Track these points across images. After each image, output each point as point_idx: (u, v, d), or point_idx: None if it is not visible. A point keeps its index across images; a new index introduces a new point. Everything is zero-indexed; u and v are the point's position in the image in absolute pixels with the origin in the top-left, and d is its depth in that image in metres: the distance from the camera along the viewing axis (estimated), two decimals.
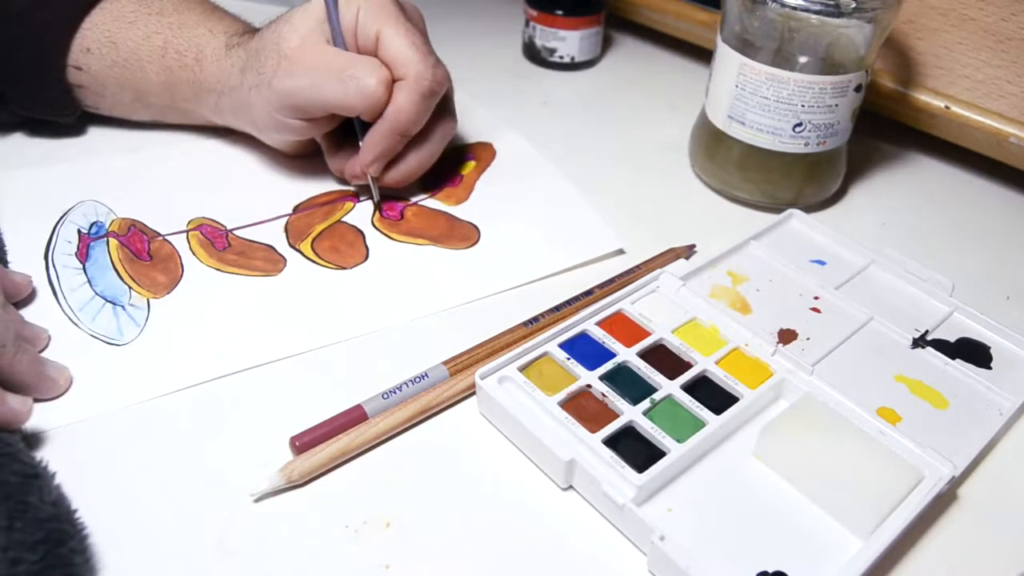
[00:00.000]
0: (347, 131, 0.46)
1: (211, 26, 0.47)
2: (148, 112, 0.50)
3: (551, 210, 0.48)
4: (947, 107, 0.50)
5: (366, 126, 0.44)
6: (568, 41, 0.62)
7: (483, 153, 0.52)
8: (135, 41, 0.46)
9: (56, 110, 0.49)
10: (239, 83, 0.44)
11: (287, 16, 0.43)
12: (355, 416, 0.34)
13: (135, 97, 0.48)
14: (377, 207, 0.47)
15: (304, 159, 0.49)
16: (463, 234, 0.45)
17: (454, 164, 0.51)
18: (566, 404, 0.34)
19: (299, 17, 0.43)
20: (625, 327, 0.38)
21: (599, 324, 0.38)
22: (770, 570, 0.30)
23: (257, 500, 0.32)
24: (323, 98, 0.42)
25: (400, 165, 0.45)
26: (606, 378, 0.36)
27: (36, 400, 0.34)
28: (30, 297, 0.39)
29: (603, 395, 0.35)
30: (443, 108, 0.45)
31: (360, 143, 0.44)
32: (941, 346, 0.39)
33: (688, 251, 0.45)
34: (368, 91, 0.41)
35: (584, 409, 0.34)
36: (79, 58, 0.46)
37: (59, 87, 0.47)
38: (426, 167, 0.46)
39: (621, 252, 0.45)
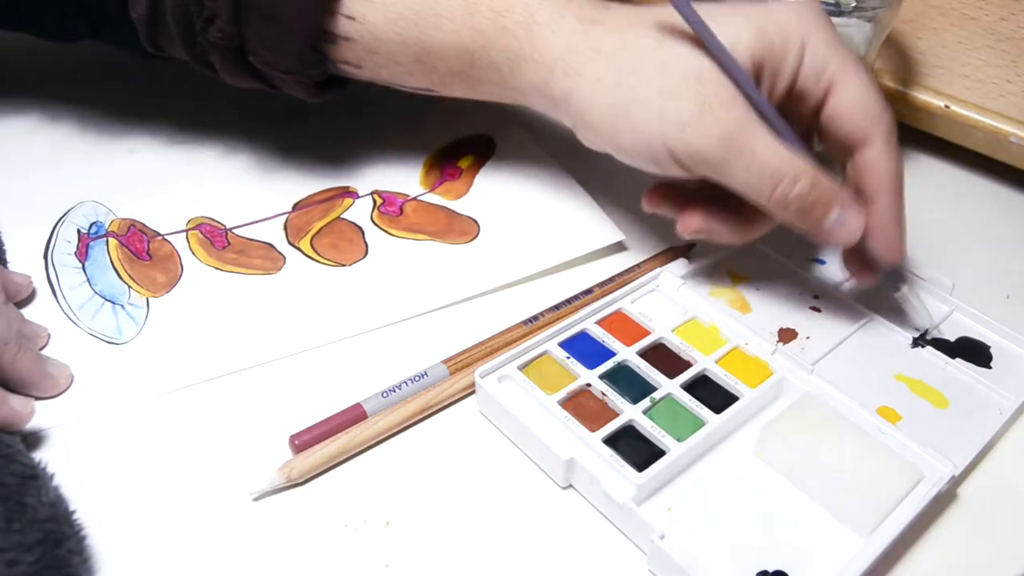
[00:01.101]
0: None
1: None
2: (426, 78, 0.41)
3: (551, 203, 0.48)
4: (947, 106, 0.50)
5: None
6: None
7: (482, 147, 0.52)
8: None
9: (300, 65, 0.40)
10: (613, 83, 0.35)
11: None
12: (354, 415, 0.34)
13: (416, 58, 0.40)
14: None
15: (304, 158, 0.49)
16: (463, 229, 0.45)
17: (453, 158, 0.51)
18: (566, 403, 0.34)
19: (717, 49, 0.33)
20: (625, 326, 0.38)
21: (599, 323, 0.38)
22: (770, 569, 0.30)
23: (257, 499, 0.32)
24: (723, 178, 0.34)
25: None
26: (606, 377, 0.36)
27: (36, 399, 0.34)
28: (30, 297, 0.39)
29: (603, 394, 0.35)
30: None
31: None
32: (941, 345, 0.39)
33: (688, 250, 0.45)
34: (843, 234, 0.34)
35: (584, 408, 0.34)
36: (355, 6, 0.38)
37: (314, 36, 0.39)
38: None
39: (622, 245, 0.45)
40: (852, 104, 0.34)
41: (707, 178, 0.35)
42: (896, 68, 0.52)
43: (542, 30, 0.37)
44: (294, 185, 0.48)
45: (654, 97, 0.34)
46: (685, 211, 0.38)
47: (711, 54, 0.33)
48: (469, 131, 0.53)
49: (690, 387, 0.36)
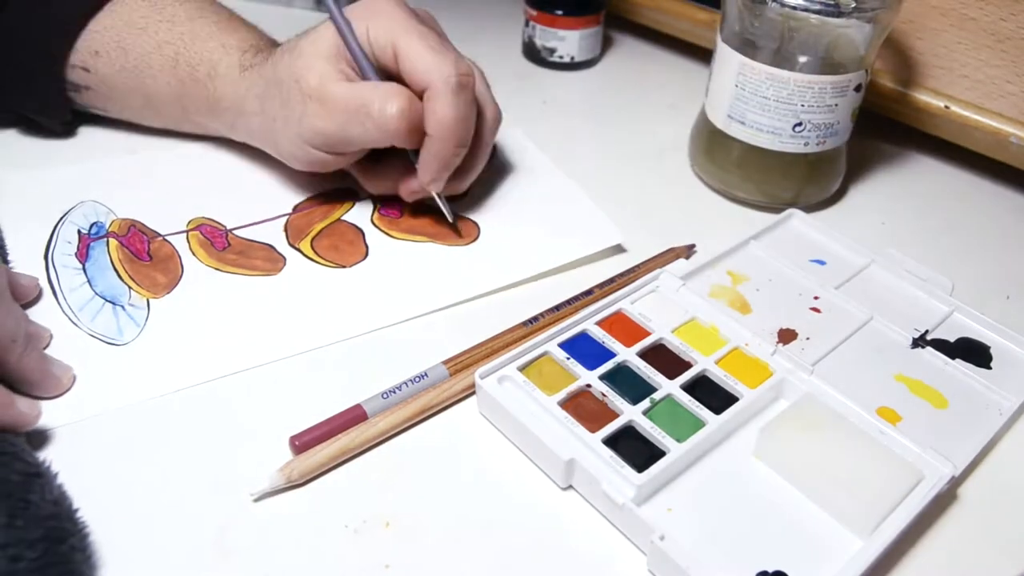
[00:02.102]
0: (377, 154, 0.45)
1: (224, 40, 0.46)
2: (160, 119, 0.49)
3: (551, 205, 0.48)
4: (947, 107, 0.50)
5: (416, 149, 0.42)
6: (568, 41, 0.62)
7: None
8: (145, 49, 0.46)
9: (47, 109, 0.48)
10: (259, 110, 0.44)
11: (298, 50, 0.42)
12: (355, 415, 0.34)
13: (145, 104, 0.48)
14: (453, 226, 0.45)
15: None
16: (463, 231, 0.45)
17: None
18: (566, 404, 0.34)
19: (309, 51, 0.41)
20: (625, 327, 0.38)
21: (599, 324, 0.38)
22: (770, 570, 0.30)
23: (257, 500, 0.32)
24: (352, 138, 0.41)
25: (464, 174, 0.44)
26: (606, 378, 0.36)
27: (38, 398, 0.34)
28: (34, 298, 0.39)
29: (603, 395, 0.35)
30: (481, 100, 0.44)
31: (415, 164, 0.42)
32: (941, 346, 0.39)
33: (688, 251, 0.45)
34: (387, 123, 0.39)
35: (584, 409, 0.34)
36: (87, 60, 0.46)
37: (56, 85, 0.47)
38: (483, 165, 0.45)
39: (621, 248, 0.45)
40: (411, 64, 0.40)
41: (344, 149, 0.42)
42: (896, 68, 0.52)
43: (223, 81, 0.45)
44: (295, 187, 0.48)
45: (279, 109, 0.43)
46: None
47: (341, 35, 0.41)
48: None
49: (690, 388, 0.36)
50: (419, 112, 0.40)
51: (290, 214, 0.46)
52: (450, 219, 0.45)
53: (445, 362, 0.37)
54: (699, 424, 0.34)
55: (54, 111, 0.48)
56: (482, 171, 0.46)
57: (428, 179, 0.42)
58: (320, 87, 0.40)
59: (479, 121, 0.43)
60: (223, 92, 0.45)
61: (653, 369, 0.36)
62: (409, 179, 0.44)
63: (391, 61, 0.41)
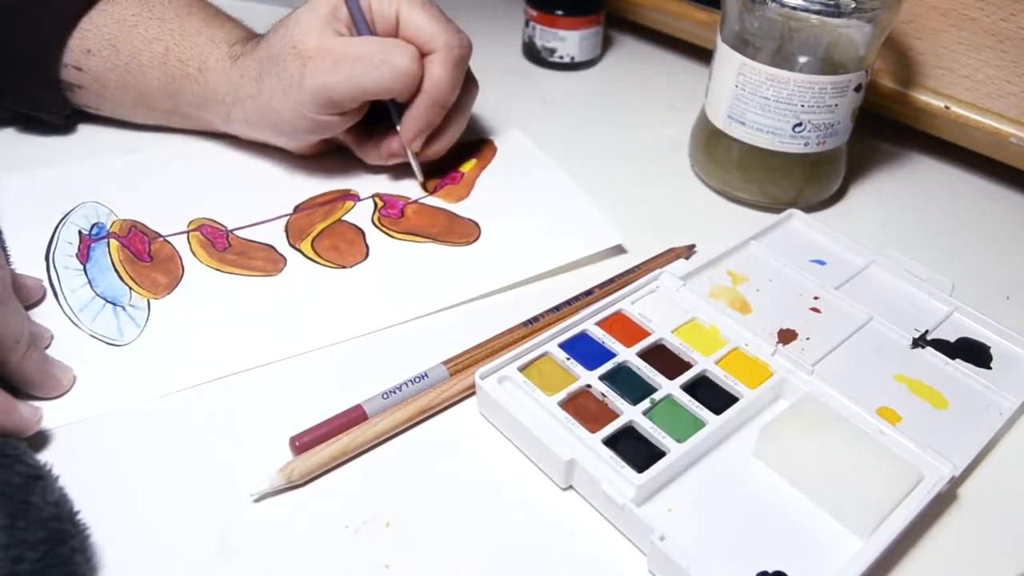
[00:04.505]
0: (370, 121, 0.47)
1: (212, 34, 0.47)
2: (151, 116, 0.50)
3: (552, 206, 0.48)
4: (947, 107, 0.50)
5: (400, 107, 0.45)
6: (568, 41, 0.62)
7: (483, 150, 0.52)
8: (136, 46, 0.46)
9: (46, 107, 0.49)
10: (256, 92, 0.44)
11: (293, 19, 0.43)
12: (355, 416, 0.34)
13: (136, 100, 0.48)
14: (424, 185, 0.48)
15: (304, 159, 0.49)
16: (463, 231, 0.46)
17: (454, 162, 0.51)
18: (566, 404, 0.34)
19: (306, 17, 0.43)
20: (625, 327, 0.38)
21: (599, 324, 0.38)
22: (770, 570, 0.30)
23: (257, 500, 0.32)
24: (360, 87, 0.42)
25: (441, 137, 0.47)
26: (606, 378, 0.36)
27: (38, 399, 0.34)
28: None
29: (603, 395, 0.35)
30: (468, 73, 0.46)
31: (397, 124, 0.45)
32: (941, 346, 0.39)
33: (688, 251, 0.45)
34: (403, 69, 0.42)
35: (584, 409, 0.34)
36: (79, 59, 0.46)
37: (51, 84, 0.47)
38: (460, 133, 0.48)
39: (621, 248, 0.45)
40: (415, 31, 0.43)
41: (349, 104, 0.43)
42: (896, 68, 0.52)
43: (214, 74, 0.46)
44: (295, 187, 0.48)
45: (276, 82, 0.43)
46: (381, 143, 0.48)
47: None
48: (471, 135, 0.53)
49: (690, 388, 0.36)
50: (423, 67, 0.43)
51: (291, 214, 0.46)
52: (420, 179, 0.48)
53: (445, 362, 0.37)
54: (699, 424, 0.34)
55: (53, 108, 0.49)
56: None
57: (411, 135, 0.45)
58: (319, 45, 0.42)
59: (463, 92, 0.46)
60: (216, 84, 0.46)
61: (653, 369, 0.36)
62: (390, 139, 0.47)
63: (390, 27, 0.44)
